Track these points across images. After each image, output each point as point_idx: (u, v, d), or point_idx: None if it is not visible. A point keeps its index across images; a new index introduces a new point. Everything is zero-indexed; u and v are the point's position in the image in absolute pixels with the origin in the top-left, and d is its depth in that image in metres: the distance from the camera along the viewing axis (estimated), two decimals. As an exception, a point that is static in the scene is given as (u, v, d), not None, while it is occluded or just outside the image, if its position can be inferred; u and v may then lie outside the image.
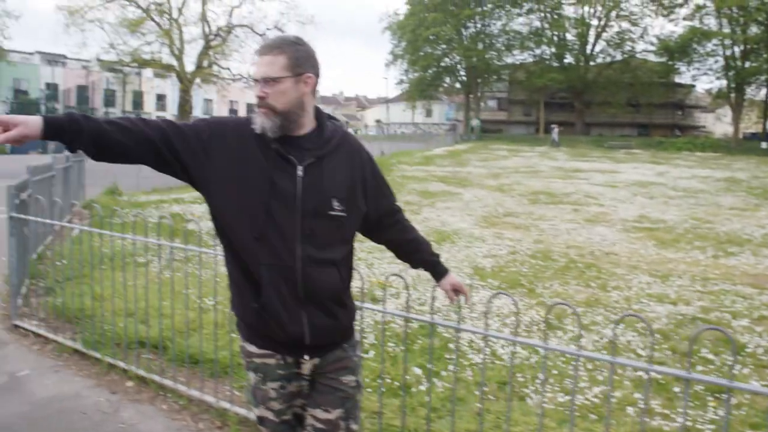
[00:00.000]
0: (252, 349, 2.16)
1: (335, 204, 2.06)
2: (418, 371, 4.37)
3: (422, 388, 4.12)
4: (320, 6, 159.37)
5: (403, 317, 2.87)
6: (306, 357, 2.13)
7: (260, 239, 2.00)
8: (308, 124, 2.11)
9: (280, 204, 2.00)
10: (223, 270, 6.38)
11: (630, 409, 3.99)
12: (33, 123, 1.83)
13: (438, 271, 2.49)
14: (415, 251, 2.47)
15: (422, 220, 11.21)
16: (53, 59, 67.21)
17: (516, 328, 2.63)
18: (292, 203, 2.01)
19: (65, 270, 6.01)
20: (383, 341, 3.01)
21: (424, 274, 6.06)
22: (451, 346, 4.90)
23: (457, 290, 2.49)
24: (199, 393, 3.97)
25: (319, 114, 2.17)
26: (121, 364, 4.47)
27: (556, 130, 49.50)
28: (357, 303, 2.37)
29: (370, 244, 8.27)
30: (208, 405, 3.92)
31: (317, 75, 2.09)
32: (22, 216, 5.54)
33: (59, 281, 5.87)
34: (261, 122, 2.01)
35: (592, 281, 7.22)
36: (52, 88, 59.92)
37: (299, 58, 2.03)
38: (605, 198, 15.88)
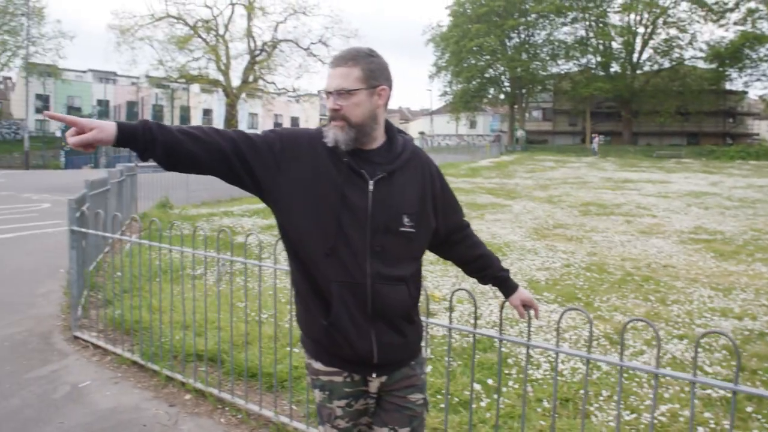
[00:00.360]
0: (318, 366, 2.12)
1: (405, 220, 2.02)
2: (477, 386, 4.27)
3: (483, 404, 4.02)
4: (364, 20, 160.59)
5: (471, 332, 2.78)
6: (373, 375, 2.08)
7: (330, 255, 1.96)
8: (380, 138, 2.08)
9: (351, 219, 1.96)
10: (279, 284, 6.38)
11: (700, 429, 3.82)
12: (108, 128, 1.81)
13: (508, 286, 2.43)
14: (485, 267, 2.40)
15: (472, 232, 11.08)
16: (104, 77, 69.22)
17: (589, 344, 2.51)
18: (363, 219, 1.97)
19: (122, 282, 6.09)
20: (450, 356, 2.93)
21: (480, 288, 5.96)
22: (510, 361, 4.79)
23: (527, 305, 2.42)
24: (258, 407, 3.94)
25: (389, 127, 2.14)
26: (179, 377, 4.48)
27: (596, 139, 49.61)
28: (422, 318, 2.31)
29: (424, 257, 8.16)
30: (266, 419, 3.89)
31: (390, 87, 2.06)
32: (83, 229, 5.63)
33: (116, 293, 5.94)
34: (334, 135, 1.97)
35: (651, 294, 7.01)
36: (103, 104, 61.60)
37: (374, 70, 2.00)
38: (658, 209, 15.49)
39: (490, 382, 4.35)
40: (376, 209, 1.98)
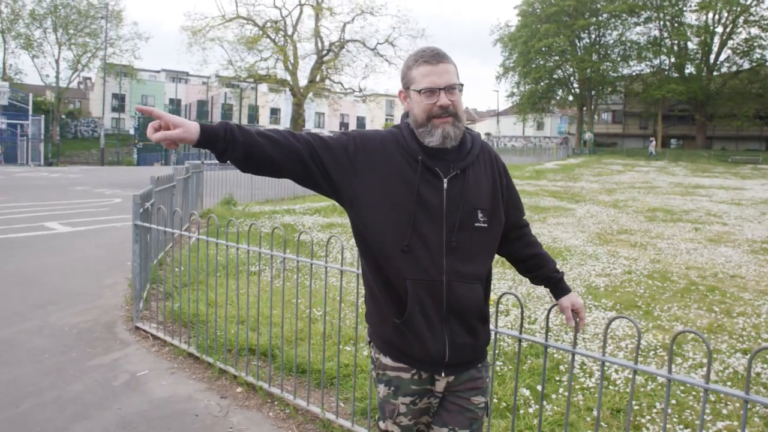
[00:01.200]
0: (386, 361, 2.13)
1: (480, 215, 2.05)
2: (526, 392, 4.21)
3: (530, 410, 3.97)
4: (430, 20, 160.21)
5: (517, 337, 2.76)
6: (442, 374, 2.08)
7: (407, 252, 1.98)
8: None
9: (427, 217, 1.99)
10: (333, 282, 6.45)
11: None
12: (192, 129, 1.86)
13: (560, 288, 2.36)
14: (539, 267, 2.36)
15: (531, 235, 10.93)
16: (176, 76, 71.54)
17: (636, 354, 2.44)
18: (439, 216, 1.99)
19: (182, 276, 6.27)
20: (501, 359, 2.91)
21: (537, 292, 5.90)
22: (562, 368, 4.71)
23: (576, 311, 2.35)
24: (305, 403, 4.00)
25: None
26: (232, 370, 4.59)
27: (653, 143, 49.04)
28: None
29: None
30: (313, 415, 3.95)
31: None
32: (146, 224, 5.83)
33: (176, 287, 6.13)
34: (444, 132, 2.01)
35: (716, 305, 6.75)
36: (175, 103, 63.58)
37: (457, 68, 2.07)
38: (729, 216, 14.91)
39: (539, 388, 4.28)
40: (450, 206, 2.00)
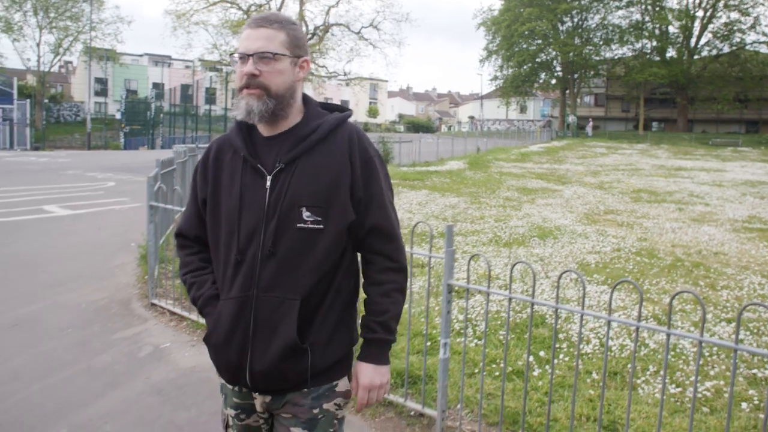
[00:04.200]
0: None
1: (305, 214, 1.77)
2: (530, 358, 4.53)
3: (535, 374, 4.29)
4: (414, 3, 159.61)
5: (529, 302, 3.05)
6: (255, 393, 1.94)
7: (239, 263, 1.86)
8: (294, 117, 1.86)
9: (250, 221, 1.81)
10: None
11: (744, 405, 4.00)
12: None
13: (365, 349, 1.92)
14: (368, 312, 1.93)
15: (523, 216, 11.27)
16: (160, 60, 70.96)
17: (639, 314, 2.75)
18: (258, 219, 1.80)
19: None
20: (506, 329, 3.21)
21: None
22: (561, 336, 5.04)
23: (357, 385, 1.94)
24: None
25: (308, 105, 1.91)
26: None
27: (590, 124, 56.96)
28: (484, 288, 2.53)
29: (475, 238, 8.42)
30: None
31: (308, 63, 1.90)
32: (161, 205, 6.06)
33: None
34: (248, 106, 1.76)
35: (701, 280, 7.12)
36: (159, 87, 63.14)
37: (299, 39, 1.83)
38: (711, 197, 15.36)
39: (542, 354, 4.61)
40: (271, 206, 1.77)
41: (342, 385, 1.90)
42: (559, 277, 2.97)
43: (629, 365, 4.49)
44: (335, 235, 1.78)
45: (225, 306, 1.80)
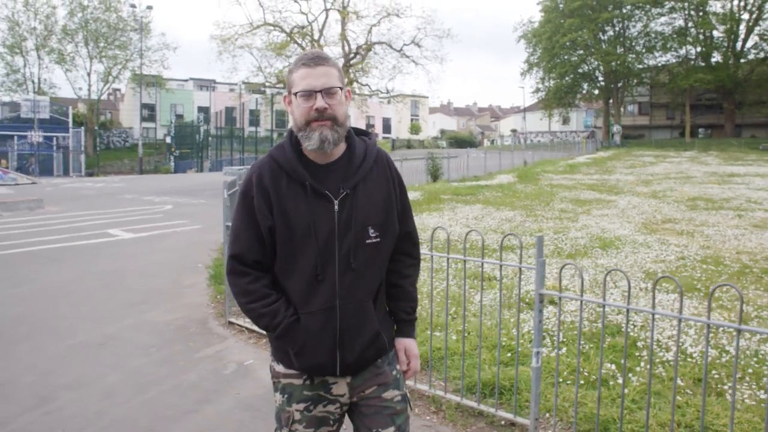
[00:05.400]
0: (279, 368, 2.21)
1: (371, 232, 2.06)
2: (612, 366, 4.54)
3: (620, 381, 4.30)
4: (454, 18, 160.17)
5: (601, 304, 3.09)
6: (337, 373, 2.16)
7: (320, 280, 2.10)
8: (342, 145, 2.10)
9: (321, 242, 2.05)
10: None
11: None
12: None
13: (404, 328, 2.28)
14: (397, 298, 2.27)
15: (581, 227, 11.21)
16: (204, 84, 72.57)
17: (740, 316, 2.76)
18: (332, 240, 2.04)
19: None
20: (580, 331, 3.25)
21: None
22: (639, 344, 5.03)
23: (408, 357, 2.27)
24: (412, 382, 4.36)
25: (347, 132, 2.14)
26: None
27: (616, 128, 57.19)
28: (574, 295, 2.51)
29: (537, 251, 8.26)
30: (420, 393, 4.30)
31: (350, 92, 2.17)
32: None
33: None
34: (322, 135, 1.97)
35: (773, 287, 7.01)
36: (204, 111, 64.54)
37: (341, 71, 2.07)
38: (771, 203, 15.03)
39: (623, 362, 4.61)
40: (341, 228, 2.01)
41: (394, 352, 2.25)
42: (655, 284, 3.01)
43: (713, 371, 4.46)
44: (390, 245, 2.14)
45: (311, 319, 2.03)
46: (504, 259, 8.08)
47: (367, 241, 2.04)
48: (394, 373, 2.18)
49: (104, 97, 61.71)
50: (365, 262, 2.04)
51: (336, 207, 2.00)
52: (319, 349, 2.02)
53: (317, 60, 1.99)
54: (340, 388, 2.11)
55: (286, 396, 2.12)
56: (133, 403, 4.36)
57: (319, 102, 1.95)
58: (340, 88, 2.00)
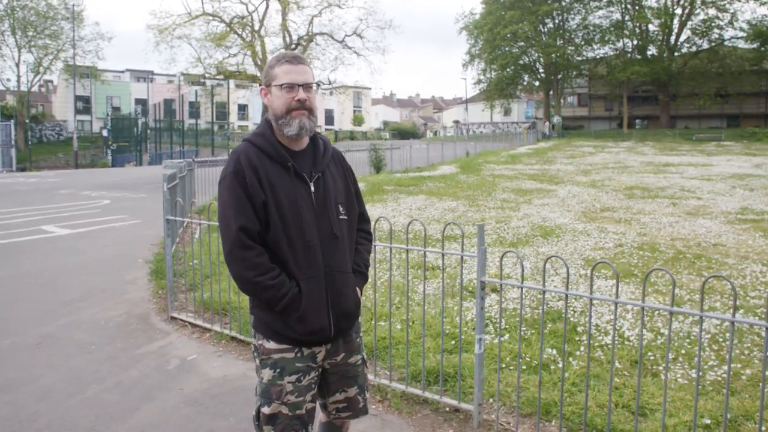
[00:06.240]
0: (270, 345, 2.43)
1: (341, 209, 2.43)
2: (553, 351, 4.64)
3: (560, 365, 4.40)
4: (396, 9, 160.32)
5: (540, 290, 3.16)
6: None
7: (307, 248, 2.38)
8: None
9: (306, 217, 2.37)
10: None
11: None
12: None
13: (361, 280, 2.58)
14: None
15: (522, 216, 11.42)
16: (142, 76, 70.78)
17: (672, 299, 2.87)
18: (310, 215, 2.36)
19: (203, 269, 6.62)
20: (521, 317, 3.32)
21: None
22: (579, 329, 5.16)
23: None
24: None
25: None
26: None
27: (547, 123, 58.44)
28: (515, 282, 2.61)
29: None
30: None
31: None
32: (178, 218, 6.13)
33: (198, 279, 6.48)
34: (300, 123, 2.30)
35: (704, 270, 7.29)
36: (142, 103, 62.97)
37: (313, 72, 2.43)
38: (702, 191, 15.60)
39: (566, 347, 4.72)
40: (318, 205, 2.34)
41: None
42: (592, 269, 3.09)
43: (649, 353, 4.62)
44: (355, 223, 2.51)
45: (309, 284, 2.29)
46: (447, 248, 8.17)
47: (340, 217, 2.39)
48: (358, 340, 2.55)
49: (35, 88, 59.48)
50: (342, 235, 2.39)
51: (312, 188, 2.32)
52: (319, 313, 2.29)
53: (298, 59, 2.34)
54: (321, 355, 2.40)
55: (278, 370, 2.32)
56: (71, 402, 4.24)
57: (301, 94, 2.28)
58: (316, 84, 2.38)
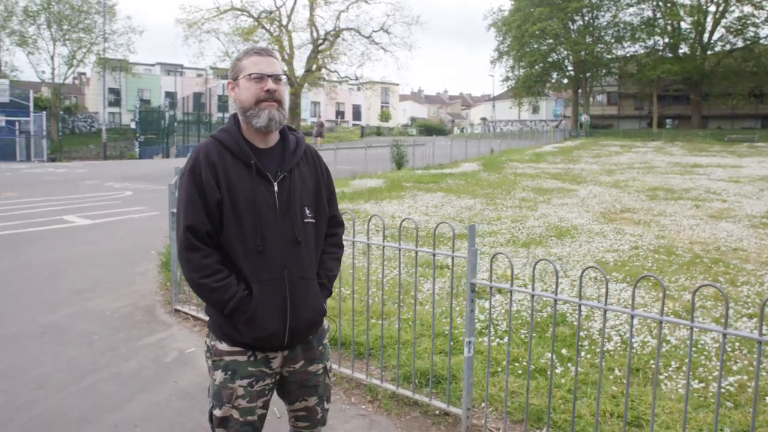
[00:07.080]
0: (223, 347, 2.35)
1: (307, 212, 2.31)
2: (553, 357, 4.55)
3: (558, 371, 4.32)
4: (424, 6, 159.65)
5: (552, 299, 3.08)
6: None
7: (261, 251, 2.25)
8: (277, 133, 2.35)
9: (266, 218, 2.25)
10: (357, 263, 6.74)
11: (769, 399, 4.01)
12: None
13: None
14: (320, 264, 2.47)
15: (539, 216, 11.28)
16: (172, 69, 71.47)
17: (662, 308, 2.77)
18: (273, 216, 2.25)
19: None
20: (511, 323, 3.24)
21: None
22: (582, 334, 5.06)
23: None
24: (350, 371, 4.34)
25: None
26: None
27: (563, 121, 57.37)
28: (506, 286, 2.57)
29: (492, 239, 8.43)
30: (358, 381, 4.28)
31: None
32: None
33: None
34: (269, 114, 2.22)
35: (721, 276, 7.11)
36: (171, 96, 63.59)
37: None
38: (728, 194, 15.27)
39: (564, 352, 4.63)
40: (282, 206, 2.23)
41: (325, 324, 2.53)
42: (581, 274, 3.01)
43: (651, 362, 4.51)
44: (323, 226, 2.41)
45: (262, 288, 2.19)
46: (457, 248, 8.09)
47: (305, 220, 2.28)
48: (321, 348, 2.44)
49: (69, 81, 60.44)
50: (307, 240, 2.29)
51: (276, 188, 2.22)
52: (270, 318, 2.18)
53: (267, 51, 2.28)
54: (277, 361, 2.31)
55: (229, 373, 2.25)
56: (67, 392, 4.27)
57: (270, 84, 2.21)
58: (285, 76, 2.29)
